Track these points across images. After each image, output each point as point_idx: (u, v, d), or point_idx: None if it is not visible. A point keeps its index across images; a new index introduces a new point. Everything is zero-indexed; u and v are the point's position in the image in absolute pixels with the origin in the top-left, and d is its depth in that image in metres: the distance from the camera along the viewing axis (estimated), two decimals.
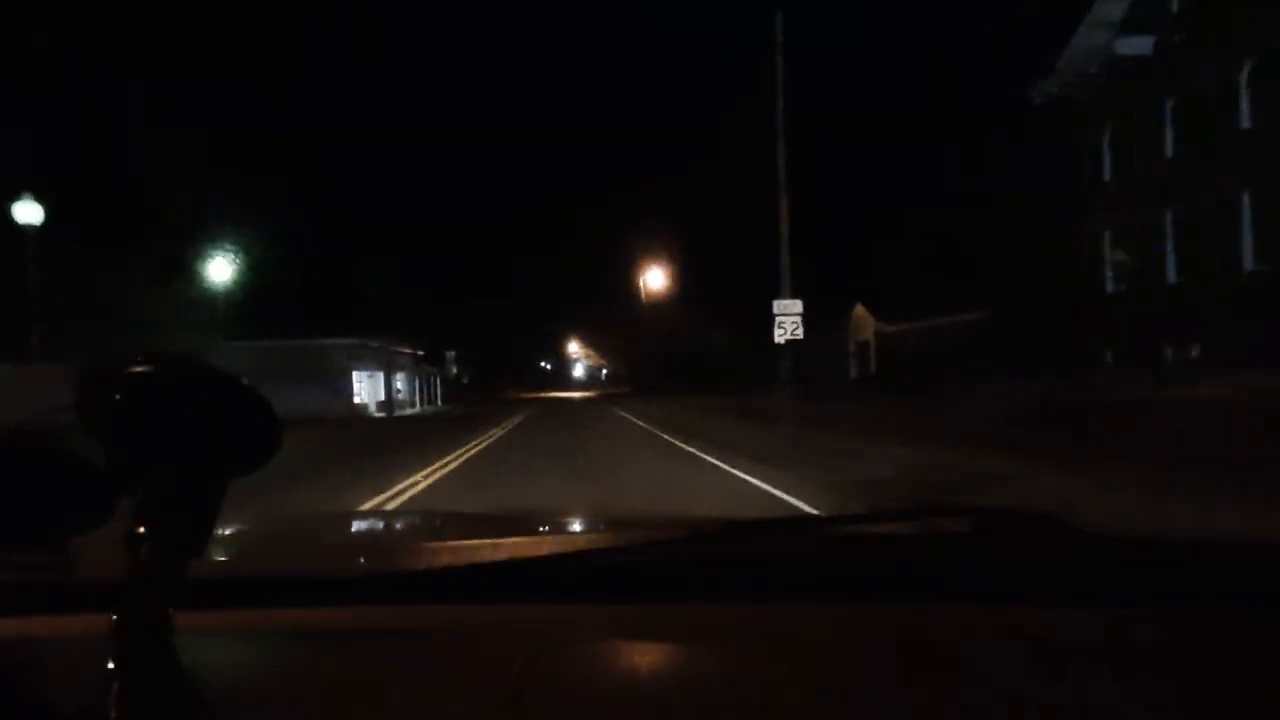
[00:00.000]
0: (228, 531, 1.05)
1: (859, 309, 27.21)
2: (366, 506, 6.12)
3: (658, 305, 35.12)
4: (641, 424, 15.50)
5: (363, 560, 0.90)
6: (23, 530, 0.46)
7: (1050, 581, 0.68)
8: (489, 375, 58.46)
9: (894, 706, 0.50)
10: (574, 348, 77.54)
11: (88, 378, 0.45)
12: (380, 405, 28.93)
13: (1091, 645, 0.57)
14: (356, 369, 26.78)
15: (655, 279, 32.16)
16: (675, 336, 38.44)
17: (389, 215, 52.31)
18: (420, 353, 35.03)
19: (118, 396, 0.45)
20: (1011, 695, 0.51)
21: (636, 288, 40.97)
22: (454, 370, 38.75)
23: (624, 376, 66.83)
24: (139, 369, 0.45)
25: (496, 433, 14.61)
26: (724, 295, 36.04)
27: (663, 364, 46.64)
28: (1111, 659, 0.55)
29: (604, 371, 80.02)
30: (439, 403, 36.83)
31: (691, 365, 38.49)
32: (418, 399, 33.96)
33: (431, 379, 36.64)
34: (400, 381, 33.52)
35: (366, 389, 28.77)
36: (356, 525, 1.62)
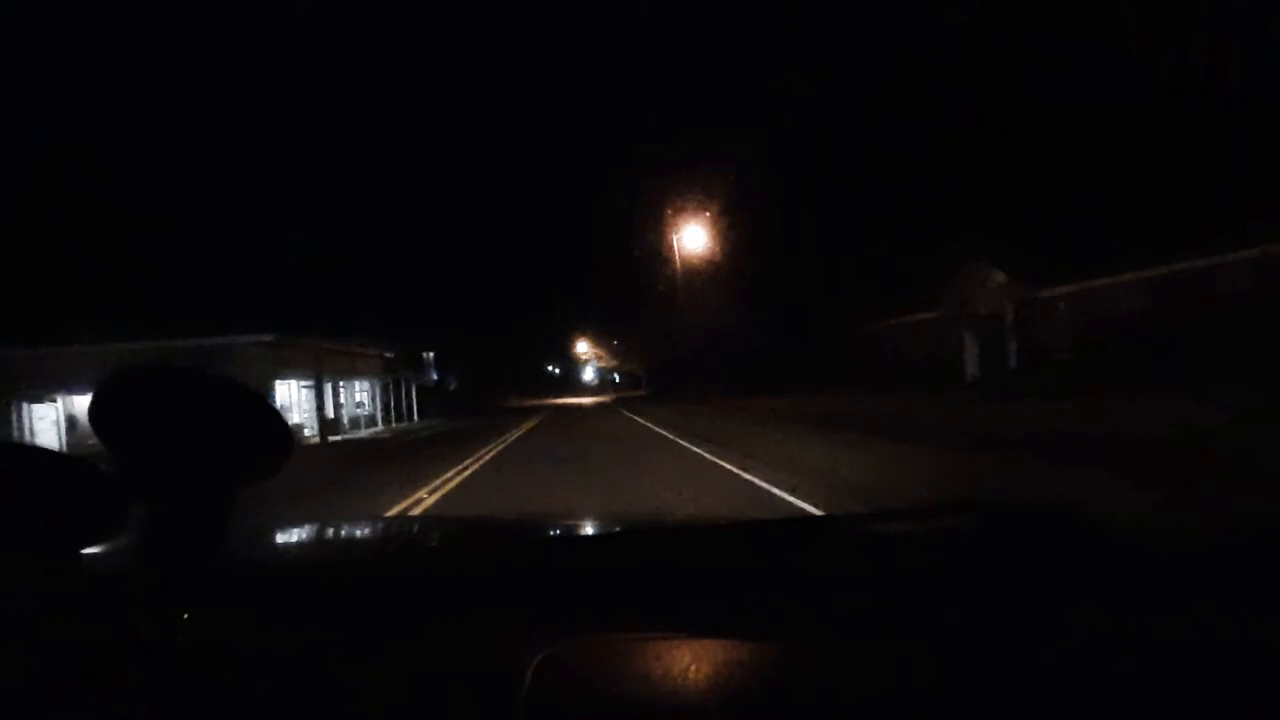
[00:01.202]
0: (239, 536, 0.96)
1: (981, 268, 19.48)
2: None
3: (693, 278, 27.35)
4: (763, 484, 7.71)
5: (374, 563, 0.90)
6: (38, 538, 0.46)
7: (1060, 578, 0.68)
8: (486, 381, 51.04)
9: (902, 703, 0.50)
10: (583, 348, 70.08)
11: (101, 388, 0.46)
12: (327, 424, 21.43)
13: (1098, 639, 0.57)
14: (283, 377, 19.27)
15: (694, 238, 24.33)
16: (704, 326, 30.70)
17: (350, 194, 44.68)
18: (390, 355, 27.58)
19: (130, 407, 0.47)
20: (1022, 690, 0.51)
21: (655, 274, 33.42)
22: (433, 376, 31.16)
23: (639, 379, 59.86)
24: (150, 379, 0.47)
25: (440, 488, 7.04)
26: (763, 279, 28.31)
27: (678, 363, 39.18)
28: (1115, 654, 0.55)
29: (615, 375, 72.77)
30: (414, 418, 29.26)
31: (713, 364, 30.82)
32: (382, 414, 26.40)
33: (406, 388, 29.11)
34: (361, 392, 26.03)
35: (307, 403, 21.28)
36: (367, 530, 1.55)
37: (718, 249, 26.49)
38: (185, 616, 0.48)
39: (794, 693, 0.53)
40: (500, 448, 13.52)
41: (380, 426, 24.63)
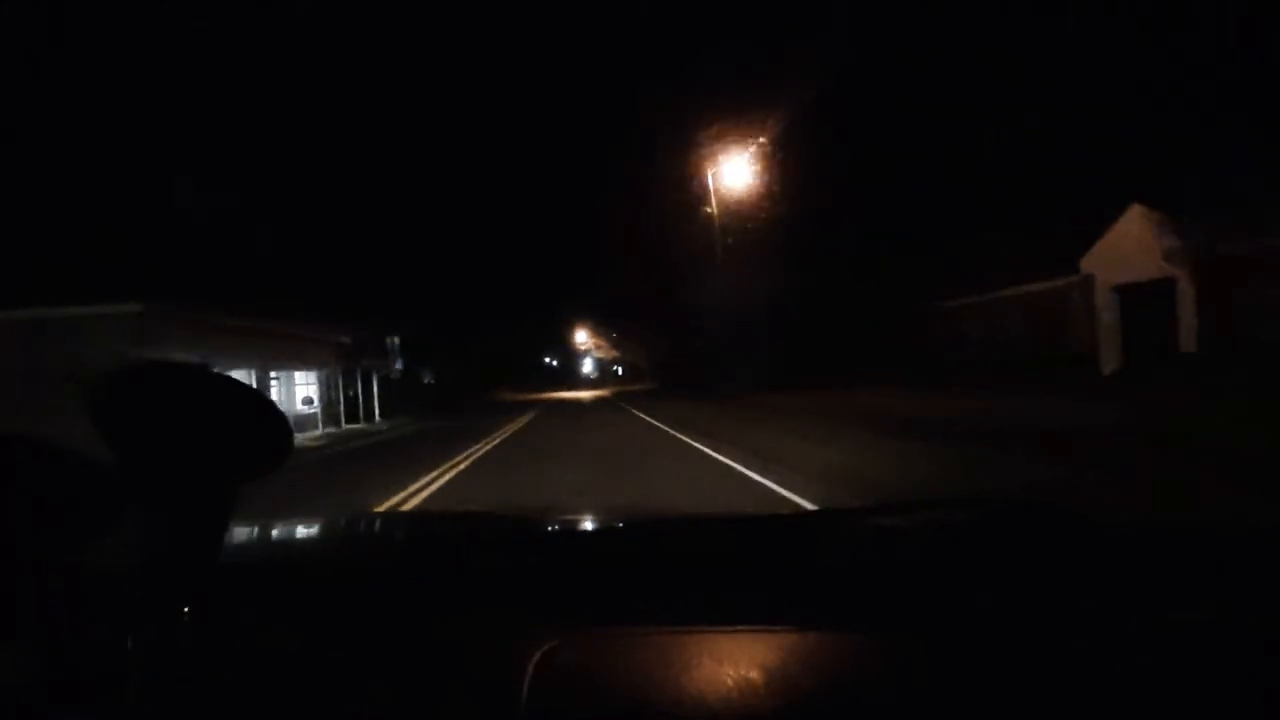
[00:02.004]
0: (238, 531, 1.00)
1: (1136, 216, 14.12)
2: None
3: (716, 250, 21.86)
4: None
5: (374, 559, 0.89)
6: (37, 535, 0.47)
7: (1055, 570, 0.67)
8: (477, 373, 45.71)
9: (906, 694, 0.51)
10: (582, 337, 64.73)
11: (100, 385, 0.47)
12: None
13: (1094, 632, 0.56)
14: None
15: (737, 173, 18.63)
16: (724, 308, 25.24)
17: (318, 158, 38.82)
18: (346, 340, 22.20)
19: (129, 403, 0.47)
20: (1023, 687, 0.51)
21: (667, 254, 28.08)
22: (398, 366, 25.62)
23: (643, 371, 54.68)
24: (150, 376, 0.48)
25: None
26: (799, 248, 22.77)
27: (688, 353, 33.85)
28: (1112, 646, 0.54)
29: (616, 366, 67.63)
30: (376, 417, 23.88)
31: (736, 353, 25.47)
32: (328, 413, 20.98)
33: (364, 380, 23.71)
34: (305, 384, 20.66)
35: None
36: (367, 526, 1.51)
37: (748, 212, 21.05)
38: (185, 614, 0.47)
39: (798, 684, 0.52)
40: (462, 467, 8.26)
41: (320, 430, 19.25)
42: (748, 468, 6.98)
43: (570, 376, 73.09)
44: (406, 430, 18.29)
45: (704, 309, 25.67)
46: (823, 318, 23.43)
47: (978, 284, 19.48)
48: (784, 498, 5.38)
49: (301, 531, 1.24)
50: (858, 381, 19.19)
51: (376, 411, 23.94)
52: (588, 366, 75.36)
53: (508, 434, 13.53)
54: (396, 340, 25.21)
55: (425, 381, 31.06)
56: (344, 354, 22.43)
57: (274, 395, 18.42)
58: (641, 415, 16.48)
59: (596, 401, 28.68)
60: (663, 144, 23.74)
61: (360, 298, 26.46)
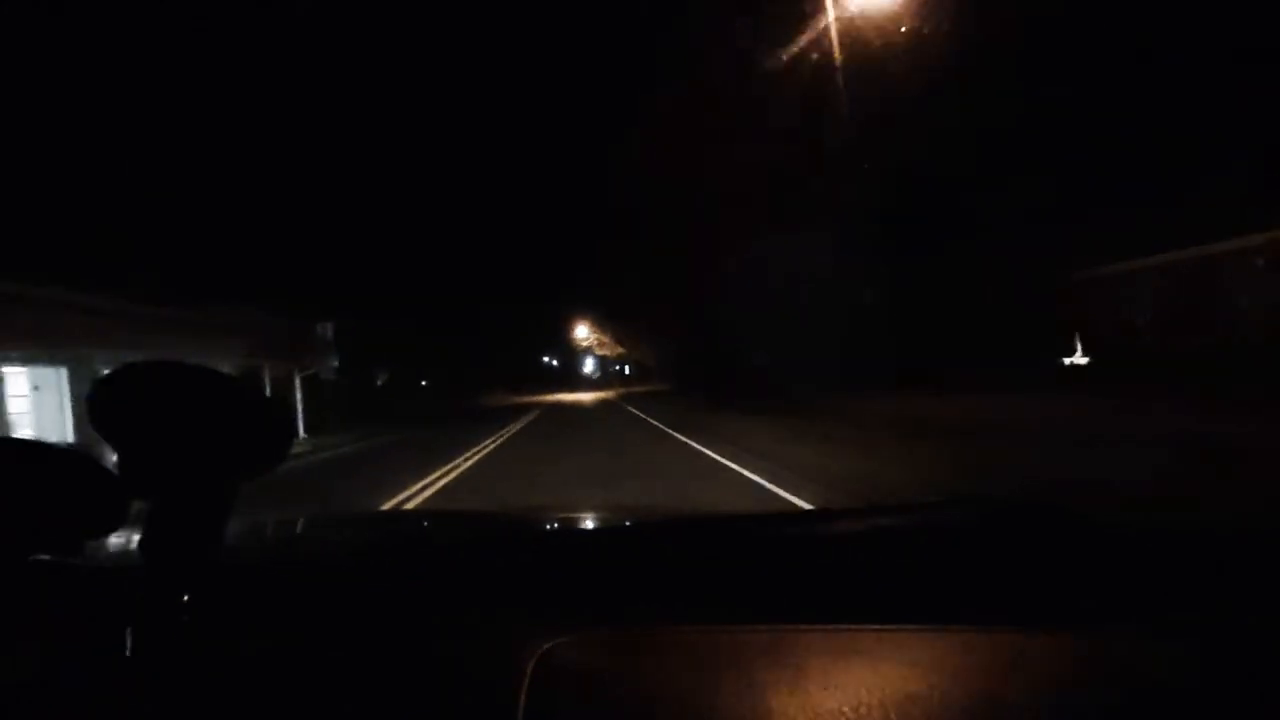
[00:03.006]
0: (239, 529, 0.97)
1: None
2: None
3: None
4: None
5: (373, 558, 0.89)
6: (39, 533, 0.47)
7: (1058, 573, 0.66)
8: (460, 374, 39.52)
9: (906, 701, 0.51)
10: (583, 333, 58.36)
11: (100, 382, 0.47)
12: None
13: (1102, 638, 0.56)
14: None
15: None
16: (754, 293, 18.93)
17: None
18: (271, 331, 15.89)
19: (130, 401, 0.48)
20: (1022, 687, 0.51)
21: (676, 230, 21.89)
22: (334, 364, 19.12)
23: (651, 370, 48.45)
24: (150, 376, 0.48)
25: None
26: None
27: (708, 349, 27.63)
28: (1116, 651, 0.54)
29: (621, 365, 61.40)
30: (299, 433, 17.47)
31: (775, 346, 19.22)
32: None
33: (288, 383, 17.37)
34: None
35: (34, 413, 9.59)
36: (367, 524, 1.51)
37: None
38: (186, 613, 0.47)
39: (799, 683, 0.51)
40: None
41: None
42: None
43: (570, 376, 67.28)
44: (320, 457, 12.11)
45: (753, 278, 19.30)
46: (928, 293, 17.06)
47: (1147, 243, 13.19)
48: None
49: (300, 531, 1.22)
50: (979, 381, 12.94)
51: (301, 425, 17.60)
52: (589, 366, 69.33)
53: (459, 473, 7.29)
54: (330, 329, 18.73)
55: (379, 384, 24.64)
56: (263, 348, 16.14)
57: None
58: (688, 439, 10.06)
59: (606, 410, 22.27)
60: (701, 50, 17.46)
61: (301, 284, 20.22)
